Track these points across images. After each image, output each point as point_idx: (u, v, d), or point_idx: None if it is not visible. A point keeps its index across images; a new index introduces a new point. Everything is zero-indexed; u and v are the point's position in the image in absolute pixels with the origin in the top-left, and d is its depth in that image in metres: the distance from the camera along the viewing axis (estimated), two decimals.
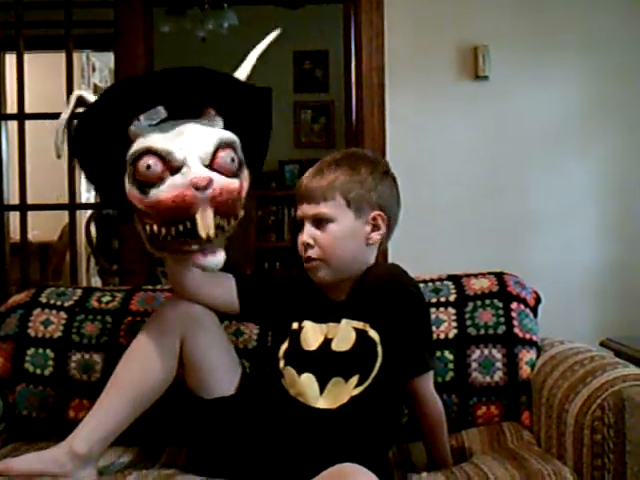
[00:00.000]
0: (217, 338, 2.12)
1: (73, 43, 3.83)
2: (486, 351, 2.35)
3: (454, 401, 2.33)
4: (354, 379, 1.98)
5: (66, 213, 4.06)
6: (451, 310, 2.41)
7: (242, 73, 2.11)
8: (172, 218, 1.87)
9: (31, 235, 4.06)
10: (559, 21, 3.46)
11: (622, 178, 3.48)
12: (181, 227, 1.87)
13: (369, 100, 3.46)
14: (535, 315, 2.44)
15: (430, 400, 2.07)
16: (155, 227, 1.90)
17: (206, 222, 1.85)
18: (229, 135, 1.95)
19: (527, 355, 2.35)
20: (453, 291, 2.45)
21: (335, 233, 2.04)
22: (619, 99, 3.47)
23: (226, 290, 2.13)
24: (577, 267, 3.45)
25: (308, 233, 2.06)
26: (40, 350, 2.44)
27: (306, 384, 2.00)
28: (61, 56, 3.89)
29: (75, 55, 4.06)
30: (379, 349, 1.99)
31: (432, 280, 2.51)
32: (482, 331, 2.37)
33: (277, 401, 2.03)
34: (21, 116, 3.88)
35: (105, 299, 2.53)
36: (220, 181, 1.87)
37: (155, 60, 3.75)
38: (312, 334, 2.05)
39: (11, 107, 4.12)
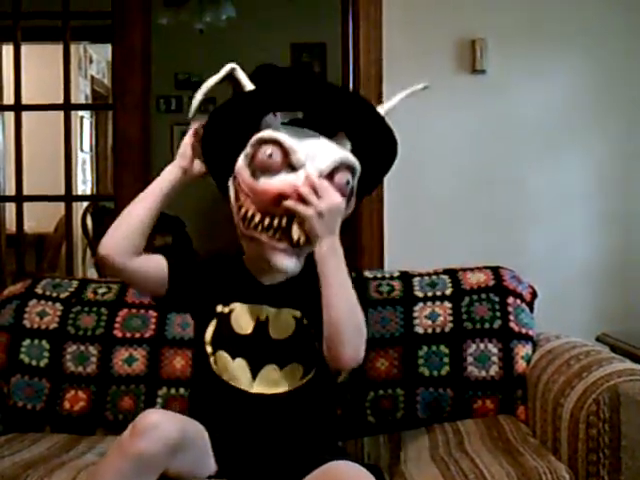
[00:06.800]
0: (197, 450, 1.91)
1: (70, 34, 3.82)
2: (482, 345, 2.35)
3: (450, 395, 2.33)
4: (293, 368, 1.98)
5: (62, 205, 4.05)
6: (447, 304, 2.41)
7: (383, 109, 2.07)
8: (272, 209, 1.87)
9: (27, 226, 4.05)
10: (557, 14, 3.45)
11: (619, 171, 3.47)
12: (276, 222, 1.87)
13: (366, 93, 3.45)
14: (531, 310, 2.45)
15: None
16: (250, 212, 1.90)
17: (302, 226, 1.86)
18: (353, 160, 1.94)
19: (523, 349, 2.35)
20: (449, 285, 2.46)
21: None
22: (617, 92, 3.46)
23: (159, 268, 2.03)
24: (574, 261, 3.45)
25: None
26: (35, 341, 2.44)
27: (239, 369, 1.98)
28: (58, 47, 3.88)
29: (72, 46, 4.04)
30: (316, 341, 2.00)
31: (428, 274, 2.52)
32: (478, 325, 2.37)
33: (210, 387, 2.02)
34: (18, 107, 3.87)
35: (101, 291, 2.53)
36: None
37: (153, 52, 3.73)
38: (243, 317, 2.02)
39: (8, 98, 4.11)
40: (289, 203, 1.84)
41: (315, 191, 1.83)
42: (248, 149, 1.92)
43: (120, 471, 1.70)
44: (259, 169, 1.89)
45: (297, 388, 1.98)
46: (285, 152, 1.87)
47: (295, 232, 1.87)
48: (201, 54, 6.62)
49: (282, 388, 1.97)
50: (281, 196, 1.84)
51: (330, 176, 1.89)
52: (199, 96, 1.98)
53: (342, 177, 1.91)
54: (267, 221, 1.88)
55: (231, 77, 1.99)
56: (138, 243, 1.97)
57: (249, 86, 1.96)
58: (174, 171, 2.02)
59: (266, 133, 1.91)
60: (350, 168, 1.93)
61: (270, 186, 1.86)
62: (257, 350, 1.99)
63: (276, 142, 1.88)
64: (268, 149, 1.88)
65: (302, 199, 1.83)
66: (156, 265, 2.03)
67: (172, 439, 1.74)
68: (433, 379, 2.34)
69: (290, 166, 1.87)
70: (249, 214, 1.90)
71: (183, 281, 2.05)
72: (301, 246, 1.89)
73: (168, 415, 1.83)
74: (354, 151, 1.97)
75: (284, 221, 1.86)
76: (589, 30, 3.45)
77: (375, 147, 2.01)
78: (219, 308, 2.04)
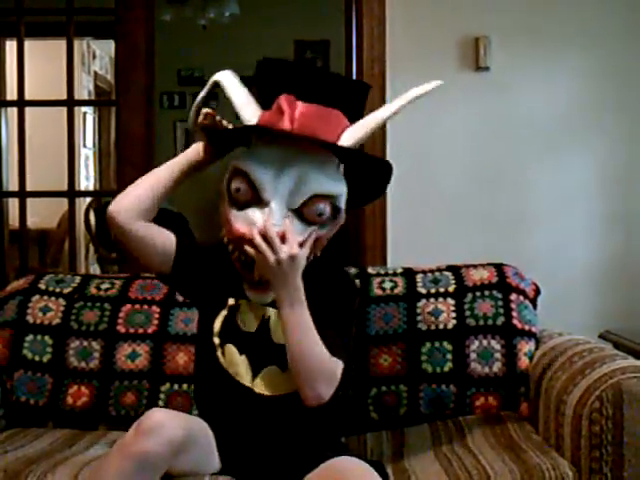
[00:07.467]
0: (200, 447, 1.91)
1: (74, 30, 3.82)
2: (485, 342, 2.35)
3: (452, 391, 2.33)
4: None
5: (65, 200, 4.05)
6: (450, 301, 2.41)
7: (352, 137, 1.96)
8: (239, 247, 1.89)
9: (30, 222, 4.05)
10: (560, 13, 3.44)
11: (622, 170, 3.47)
12: (243, 257, 1.89)
13: (370, 90, 3.45)
14: (534, 306, 2.45)
15: None
16: (226, 240, 1.94)
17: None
18: (328, 188, 1.91)
19: (526, 346, 2.35)
20: (452, 282, 2.45)
21: None
22: (620, 92, 3.46)
23: (168, 241, 2.01)
24: (577, 259, 3.45)
25: None
26: (39, 337, 2.44)
27: (243, 365, 1.98)
28: (61, 43, 3.88)
29: (76, 42, 4.03)
30: None
31: (431, 270, 2.52)
32: (481, 322, 2.37)
33: (215, 381, 2.01)
34: (21, 103, 3.87)
35: (104, 286, 2.53)
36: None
37: (156, 48, 3.73)
38: (248, 314, 2.01)
39: (11, 94, 4.11)
40: (247, 249, 1.85)
41: (270, 242, 1.82)
42: (228, 171, 1.93)
43: (123, 470, 1.69)
44: (231, 199, 1.91)
45: (297, 391, 1.94)
46: (253, 185, 1.87)
47: (256, 273, 1.90)
48: (204, 50, 6.63)
49: (282, 390, 1.96)
50: (243, 238, 1.86)
51: (302, 207, 1.89)
52: (192, 113, 2.02)
53: (315, 209, 1.89)
54: (236, 254, 1.91)
55: (217, 87, 2.01)
56: (149, 207, 1.97)
57: (236, 95, 1.96)
58: (197, 149, 2.03)
59: (240, 162, 1.91)
60: (325, 196, 1.90)
61: (235, 226, 1.88)
62: (259, 351, 1.98)
63: (245, 174, 1.88)
64: (237, 183, 1.89)
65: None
66: (165, 238, 2.01)
67: (177, 438, 1.73)
68: (436, 375, 2.34)
69: (259, 199, 1.88)
70: (225, 241, 1.95)
71: (189, 262, 2.03)
72: (265, 280, 1.90)
73: (172, 414, 1.82)
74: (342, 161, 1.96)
75: (249, 258, 1.87)
76: (592, 28, 3.45)
77: (362, 166, 1.99)
78: (231, 301, 2.02)
